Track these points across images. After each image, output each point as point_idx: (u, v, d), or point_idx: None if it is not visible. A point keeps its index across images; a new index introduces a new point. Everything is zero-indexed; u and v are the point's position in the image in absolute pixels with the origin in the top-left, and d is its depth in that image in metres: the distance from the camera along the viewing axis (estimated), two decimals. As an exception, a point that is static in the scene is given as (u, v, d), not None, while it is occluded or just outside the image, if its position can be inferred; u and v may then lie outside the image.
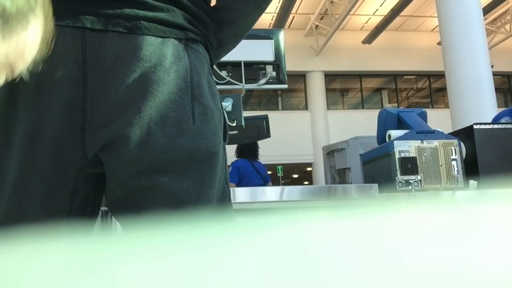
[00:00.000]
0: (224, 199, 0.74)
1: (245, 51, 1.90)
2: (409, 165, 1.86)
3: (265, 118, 2.30)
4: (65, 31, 0.64)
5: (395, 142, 1.89)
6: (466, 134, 2.07)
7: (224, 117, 0.77)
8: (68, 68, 0.64)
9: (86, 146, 0.65)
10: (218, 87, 2.00)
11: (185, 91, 0.68)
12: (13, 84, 0.65)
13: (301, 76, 13.26)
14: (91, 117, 0.64)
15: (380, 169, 2.02)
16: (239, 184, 3.69)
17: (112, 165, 0.67)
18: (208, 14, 0.77)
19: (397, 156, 1.87)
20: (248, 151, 3.92)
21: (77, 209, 0.70)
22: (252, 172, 3.85)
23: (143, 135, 0.65)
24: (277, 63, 2.06)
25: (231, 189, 1.58)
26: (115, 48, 0.65)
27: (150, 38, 0.67)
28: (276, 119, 8.76)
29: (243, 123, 1.89)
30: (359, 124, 11.29)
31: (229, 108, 1.87)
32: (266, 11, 0.89)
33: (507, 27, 12.62)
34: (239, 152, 3.97)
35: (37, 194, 0.67)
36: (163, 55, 0.67)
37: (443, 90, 13.15)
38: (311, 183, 12.83)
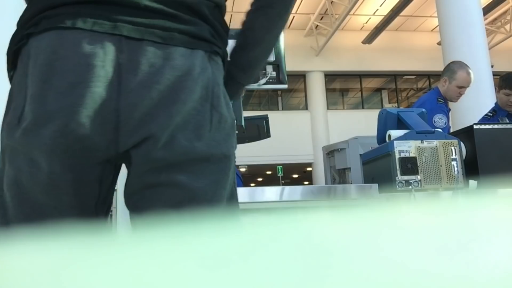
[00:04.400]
0: (232, 200, 0.80)
1: (245, 51, 1.89)
2: (409, 165, 1.86)
3: (265, 118, 2.29)
4: (103, 37, 0.69)
5: (395, 142, 1.89)
6: (466, 134, 2.07)
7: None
8: (104, 70, 0.68)
9: (119, 145, 0.69)
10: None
11: (206, 100, 0.73)
12: (47, 79, 0.67)
13: (301, 76, 13.26)
14: (125, 119, 0.68)
15: (380, 169, 2.02)
16: None
17: (137, 161, 0.71)
18: (225, 29, 0.83)
19: (397, 156, 1.87)
20: None
21: (101, 201, 0.75)
22: None
23: (169, 137, 0.70)
24: (277, 63, 2.05)
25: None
26: (150, 56, 0.70)
27: (182, 49, 0.72)
28: (276, 119, 8.76)
29: (243, 123, 1.89)
30: (359, 124, 11.28)
31: (229, 108, 1.86)
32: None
33: (507, 27, 12.60)
34: None
35: (68, 182, 0.70)
36: (193, 65, 0.72)
37: (443, 90, 13.11)
38: (311, 183, 12.81)
